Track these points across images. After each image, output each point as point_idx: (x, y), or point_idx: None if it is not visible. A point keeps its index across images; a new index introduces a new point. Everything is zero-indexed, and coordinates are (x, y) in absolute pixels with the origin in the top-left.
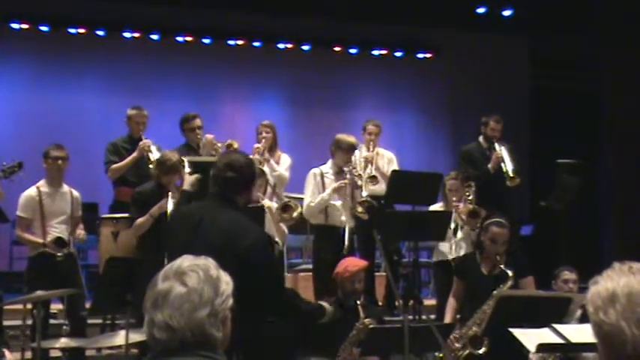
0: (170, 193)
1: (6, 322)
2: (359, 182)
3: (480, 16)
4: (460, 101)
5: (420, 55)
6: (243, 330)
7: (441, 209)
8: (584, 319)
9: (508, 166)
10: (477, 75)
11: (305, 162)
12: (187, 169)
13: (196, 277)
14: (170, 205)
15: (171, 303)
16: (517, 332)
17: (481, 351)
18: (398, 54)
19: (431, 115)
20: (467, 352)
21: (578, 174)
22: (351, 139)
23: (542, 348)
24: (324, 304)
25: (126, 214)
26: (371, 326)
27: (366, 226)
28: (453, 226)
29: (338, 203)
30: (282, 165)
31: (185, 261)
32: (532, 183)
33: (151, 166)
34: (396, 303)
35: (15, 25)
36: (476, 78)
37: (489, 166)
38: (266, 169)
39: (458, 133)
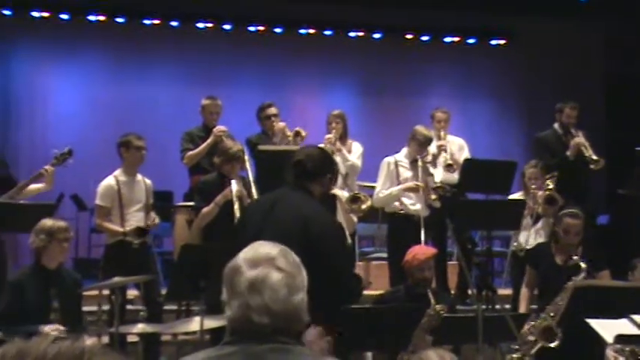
0: (233, 182)
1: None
2: (431, 170)
3: (555, 1)
4: (534, 88)
5: (494, 42)
6: (311, 316)
7: (521, 198)
8: None
9: (589, 150)
10: (552, 61)
11: (376, 150)
12: None
13: (286, 262)
14: (234, 193)
15: (271, 287)
16: (594, 323)
17: (553, 344)
18: (471, 41)
19: (504, 103)
20: (539, 345)
21: None
22: (428, 132)
23: (620, 339)
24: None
25: None
26: (444, 315)
27: (438, 214)
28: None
29: (409, 202)
30: (354, 153)
31: (267, 247)
32: (609, 171)
33: None
34: (469, 292)
35: (92, 17)
36: (550, 64)
37: (568, 153)
38: (337, 158)
39: (532, 120)
